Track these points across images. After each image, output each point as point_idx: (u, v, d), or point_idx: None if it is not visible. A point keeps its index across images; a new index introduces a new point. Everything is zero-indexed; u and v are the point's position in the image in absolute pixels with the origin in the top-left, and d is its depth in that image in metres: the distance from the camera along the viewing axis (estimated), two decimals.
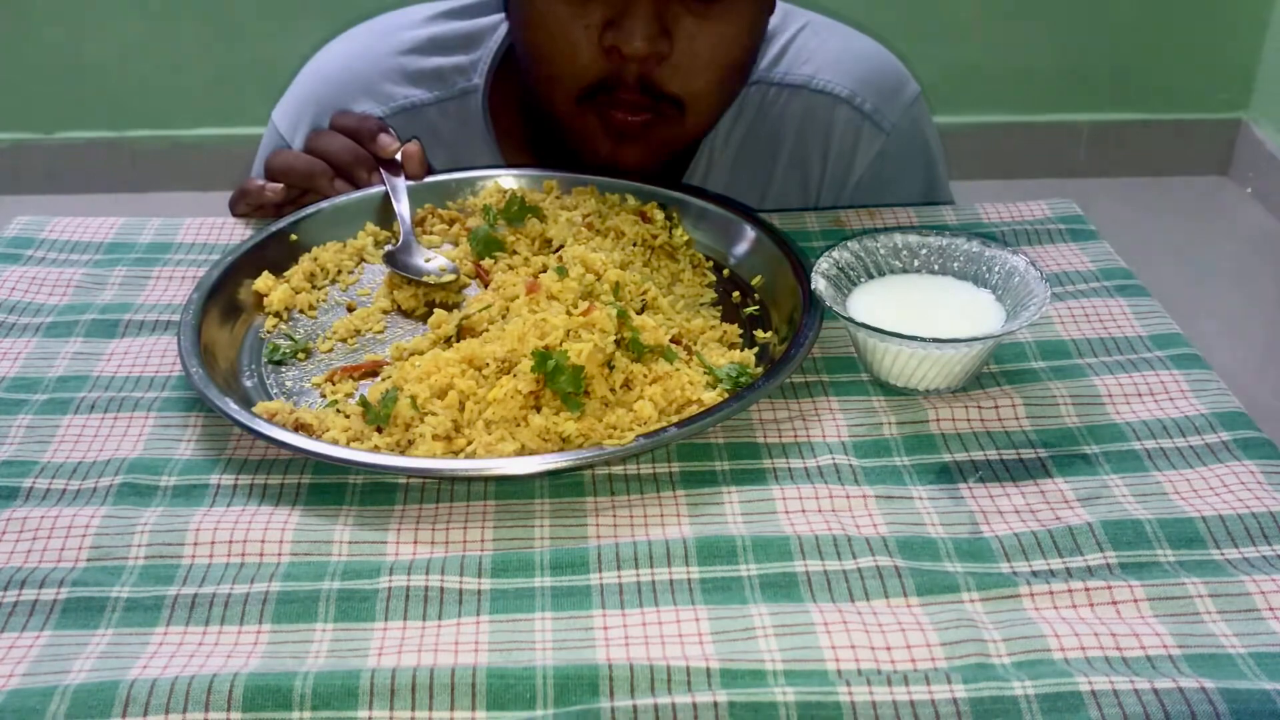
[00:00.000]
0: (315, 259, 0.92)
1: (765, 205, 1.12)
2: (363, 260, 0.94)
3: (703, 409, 0.75)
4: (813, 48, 1.13)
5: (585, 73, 0.96)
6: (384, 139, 1.00)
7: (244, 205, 1.02)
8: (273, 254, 0.91)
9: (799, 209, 1.05)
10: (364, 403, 0.76)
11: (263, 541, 0.68)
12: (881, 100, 1.12)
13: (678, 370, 0.77)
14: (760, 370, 0.80)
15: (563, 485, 0.72)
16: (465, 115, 1.11)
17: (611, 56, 0.94)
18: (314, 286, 0.90)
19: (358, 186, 0.99)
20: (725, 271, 0.93)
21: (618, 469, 0.73)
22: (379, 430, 0.74)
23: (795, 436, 0.76)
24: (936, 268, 0.85)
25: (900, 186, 1.14)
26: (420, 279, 0.90)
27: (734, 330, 0.84)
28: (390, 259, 0.92)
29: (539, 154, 1.11)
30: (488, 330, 0.81)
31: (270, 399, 0.79)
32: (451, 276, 0.90)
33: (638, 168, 1.00)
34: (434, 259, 0.92)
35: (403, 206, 0.97)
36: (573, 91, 0.97)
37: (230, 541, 0.68)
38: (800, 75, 1.12)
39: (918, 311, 0.81)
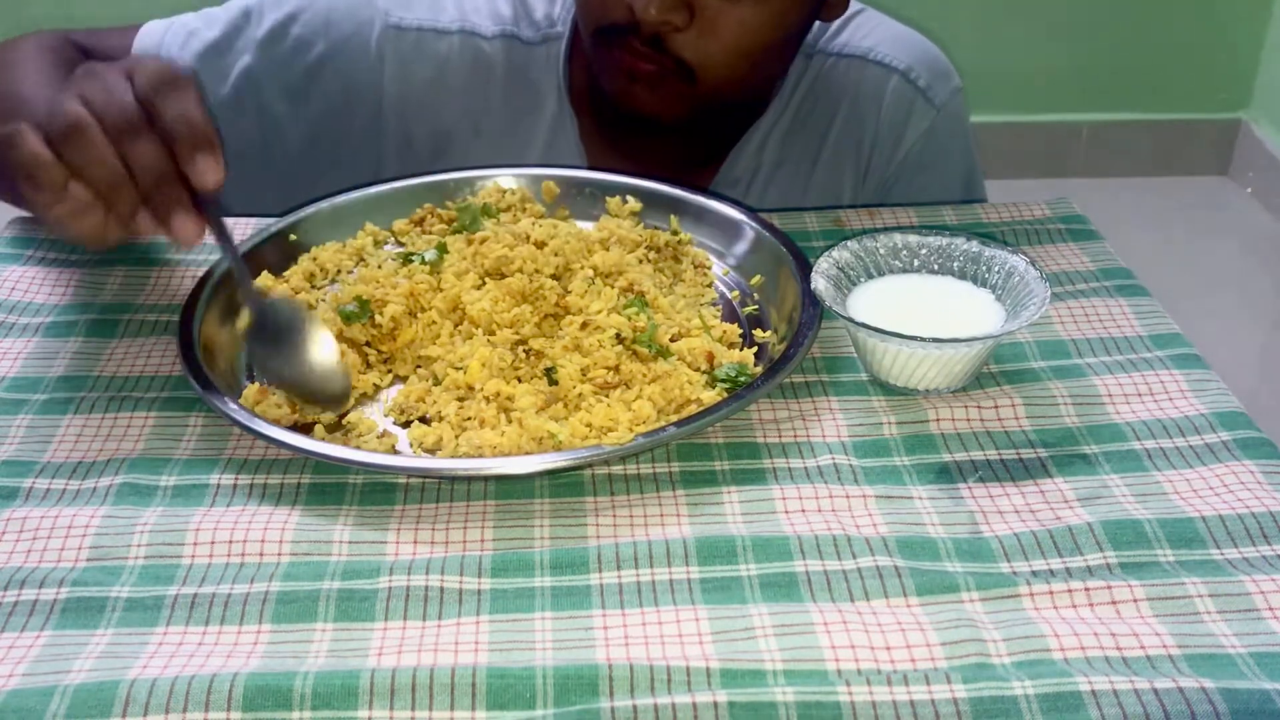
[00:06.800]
0: (315, 259, 0.92)
1: (818, 171, 1.14)
2: (362, 260, 0.94)
3: (702, 408, 0.75)
4: (871, 27, 1.16)
5: (604, 14, 0.98)
6: (207, 162, 0.67)
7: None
8: (272, 254, 0.91)
9: (850, 177, 1.12)
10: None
11: (262, 541, 0.68)
12: (934, 79, 1.14)
13: (676, 369, 0.77)
14: (760, 370, 0.80)
15: (562, 485, 0.72)
16: (548, 61, 1.11)
17: (631, 10, 0.96)
18: (313, 286, 0.90)
19: (130, 233, 0.69)
20: (725, 271, 0.93)
21: (617, 469, 0.73)
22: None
23: (795, 436, 0.76)
24: (936, 268, 0.85)
25: (944, 169, 1.16)
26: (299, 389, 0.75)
27: (734, 330, 0.84)
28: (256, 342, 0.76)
29: (600, 112, 1.11)
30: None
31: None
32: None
33: (653, 113, 1.02)
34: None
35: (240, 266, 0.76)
36: (591, 26, 1.00)
37: (230, 541, 0.68)
38: (859, 47, 1.14)
39: (918, 311, 0.81)
